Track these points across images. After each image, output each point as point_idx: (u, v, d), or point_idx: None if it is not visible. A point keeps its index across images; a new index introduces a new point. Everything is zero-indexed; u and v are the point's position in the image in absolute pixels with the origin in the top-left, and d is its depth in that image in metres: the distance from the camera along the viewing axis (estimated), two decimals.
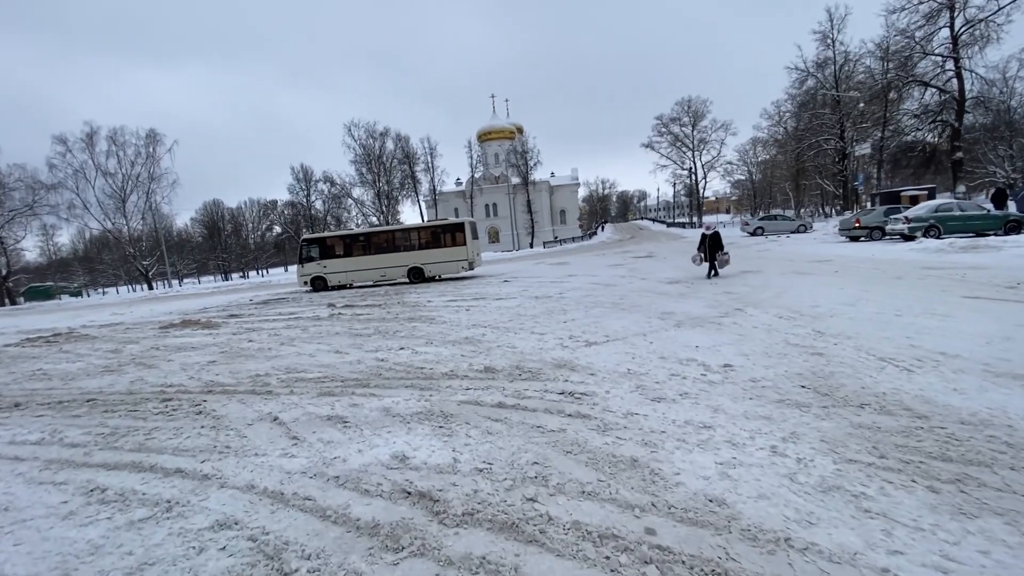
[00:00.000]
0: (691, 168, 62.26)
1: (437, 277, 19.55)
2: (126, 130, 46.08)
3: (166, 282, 49.17)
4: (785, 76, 43.09)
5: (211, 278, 62.32)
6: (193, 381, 5.88)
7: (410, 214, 58.71)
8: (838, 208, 45.30)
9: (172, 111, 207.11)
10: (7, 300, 46.13)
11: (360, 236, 19.86)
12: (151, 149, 46.22)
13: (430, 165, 57.24)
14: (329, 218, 60.68)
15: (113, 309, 20.92)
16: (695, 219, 61.70)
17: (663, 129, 64.05)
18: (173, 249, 51.70)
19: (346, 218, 63.17)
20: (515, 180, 66.09)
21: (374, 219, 56.57)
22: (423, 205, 59.15)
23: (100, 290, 63.07)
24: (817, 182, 46.96)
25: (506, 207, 64.64)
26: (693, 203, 65.66)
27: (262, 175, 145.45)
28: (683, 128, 62.74)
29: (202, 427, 4.17)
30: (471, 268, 19.23)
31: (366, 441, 3.58)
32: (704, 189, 67.27)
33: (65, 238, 67.02)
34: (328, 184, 57.67)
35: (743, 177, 72.75)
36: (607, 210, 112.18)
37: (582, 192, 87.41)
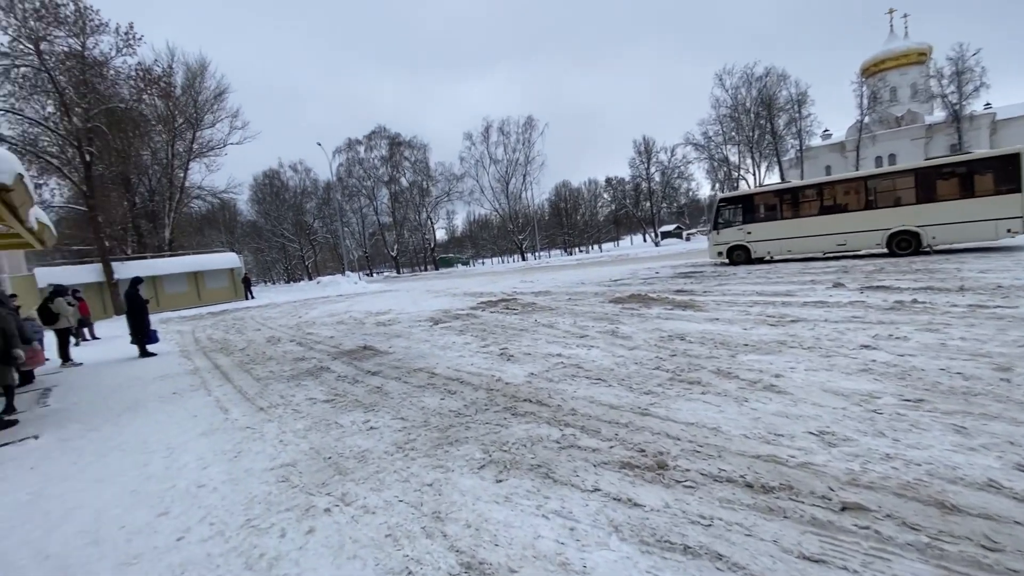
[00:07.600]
0: None
1: (930, 247, 12.30)
2: (511, 120, 54.19)
3: (533, 255, 56.23)
4: None
5: (557, 252, 68.84)
6: None
7: (760, 176, 49.10)
8: None
9: (487, 111, 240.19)
10: (432, 266, 62.10)
11: (804, 190, 14.23)
12: (528, 135, 52.95)
13: (796, 114, 46.45)
14: (667, 189, 57.40)
15: (521, 276, 22.33)
16: None
17: None
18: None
19: (683, 188, 58.73)
20: (928, 119, 46.78)
21: (718, 186, 50.00)
22: (783, 165, 48.55)
23: (480, 261, 78.94)
24: None
25: (913, 158, 46.48)
26: None
27: (565, 157, 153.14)
28: None
29: None
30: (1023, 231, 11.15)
31: None
32: None
33: (458, 220, 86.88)
34: (670, 152, 54.00)
35: None
36: None
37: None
